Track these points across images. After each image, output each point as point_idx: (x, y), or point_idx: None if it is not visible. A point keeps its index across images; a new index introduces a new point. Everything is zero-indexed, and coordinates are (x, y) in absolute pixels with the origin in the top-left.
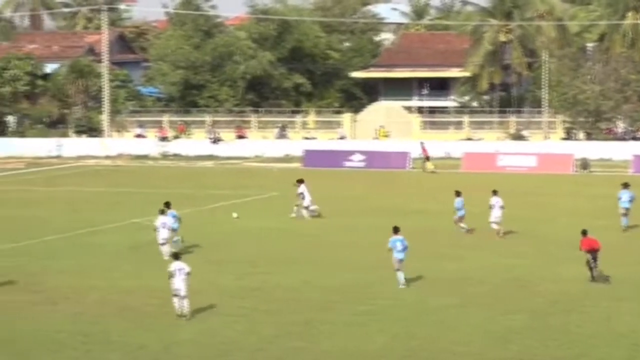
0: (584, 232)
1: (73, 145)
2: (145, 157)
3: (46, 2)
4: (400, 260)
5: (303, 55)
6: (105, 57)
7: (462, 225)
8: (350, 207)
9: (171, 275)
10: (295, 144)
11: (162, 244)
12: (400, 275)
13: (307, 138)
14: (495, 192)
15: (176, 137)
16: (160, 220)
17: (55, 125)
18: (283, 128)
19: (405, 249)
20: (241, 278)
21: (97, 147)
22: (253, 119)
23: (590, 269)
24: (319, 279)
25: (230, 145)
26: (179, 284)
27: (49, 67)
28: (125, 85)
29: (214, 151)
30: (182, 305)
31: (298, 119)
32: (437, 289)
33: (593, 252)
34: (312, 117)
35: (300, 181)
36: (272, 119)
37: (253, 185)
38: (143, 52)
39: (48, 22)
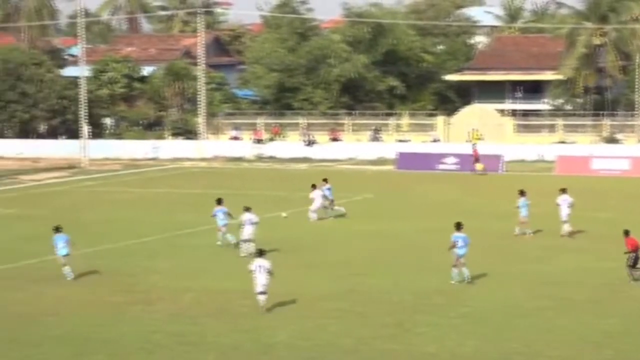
0: (627, 232)
1: (169, 148)
2: (240, 159)
3: (143, 5)
4: (460, 256)
5: (397, 58)
6: (201, 60)
7: (519, 227)
8: (443, 210)
9: (252, 272)
10: (389, 146)
11: (245, 241)
12: (459, 271)
13: (400, 141)
14: (563, 191)
15: (271, 140)
16: (246, 216)
17: (151, 128)
18: (377, 131)
19: (466, 245)
20: (335, 280)
21: (193, 149)
22: (347, 121)
23: (631, 268)
24: (412, 282)
25: (324, 148)
26: (261, 280)
27: (146, 70)
28: (221, 87)
29: (308, 153)
30: (262, 300)
31: (391, 121)
32: (530, 291)
33: (635, 252)
34: (405, 120)
35: (314, 186)
36: (365, 121)
37: (346, 188)
38: (238, 55)
39: (145, 25)
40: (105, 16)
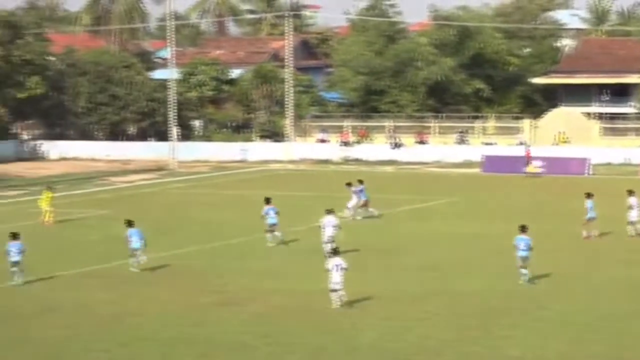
0: None
1: (257, 150)
2: (327, 161)
3: (232, 8)
4: (523, 259)
5: (483, 61)
6: (289, 62)
7: (585, 229)
8: (528, 213)
9: (329, 271)
10: (475, 149)
11: (326, 243)
12: (523, 272)
13: (486, 144)
14: (631, 193)
15: (357, 142)
16: (326, 219)
17: (239, 130)
18: (463, 133)
19: (528, 248)
20: (423, 282)
21: (281, 152)
22: (433, 124)
23: None
24: (497, 284)
25: (410, 151)
26: (336, 278)
27: (235, 73)
28: (309, 90)
29: (394, 156)
30: (339, 297)
31: (478, 124)
32: (620, 295)
33: None
34: (491, 123)
35: (349, 184)
36: (452, 124)
37: (432, 191)
38: (326, 58)
39: (233, 28)
40: (194, 19)
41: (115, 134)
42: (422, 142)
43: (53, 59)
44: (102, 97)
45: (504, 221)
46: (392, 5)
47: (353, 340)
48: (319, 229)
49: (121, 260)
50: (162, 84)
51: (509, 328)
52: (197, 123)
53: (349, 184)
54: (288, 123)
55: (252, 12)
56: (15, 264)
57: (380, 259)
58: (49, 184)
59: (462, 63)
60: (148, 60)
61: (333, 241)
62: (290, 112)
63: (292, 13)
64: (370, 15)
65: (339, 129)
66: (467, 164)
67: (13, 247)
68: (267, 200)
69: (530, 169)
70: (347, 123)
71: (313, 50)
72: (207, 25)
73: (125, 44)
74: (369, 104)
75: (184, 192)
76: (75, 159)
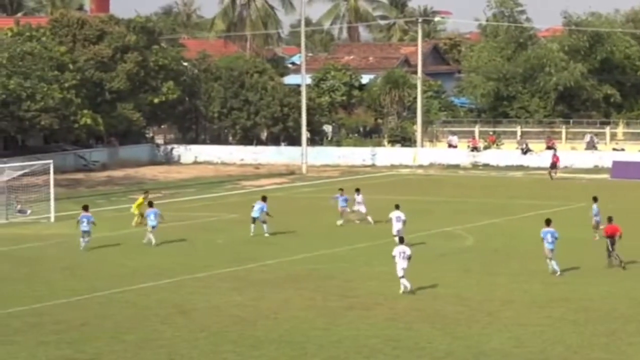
0: (610, 219)
1: (386, 155)
2: (456, 166)
3: (363, 15)
4: (551, 250)
5: (613, 66)
6: (419, 68)
7: (597, 232)
8: None
9: (394, 257)
10: (604, 155)
11: (395, 235)
12: (552, 264)
13: (616, 149)
14: None
15: (487, 148)
16: (395, 214)
17: (369, 135)
18: (593, 139)
19: (555, 240)
20: (550, 287)
21: (410, 157)
22: (563, 130)
23: (608, 253)
24: (626, 290)
25: (539, 156)
26: (401, 264)
27: (365, 78)
28: (438, 96)
29: (523, 161)
30: (404, 283)
31: (607, 130)
32: None
33: (612, 237)
34: (621, 129)
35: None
36: (581, 130)
37: (561, 196)
38: (456, 64)
39: (364, 34)
40: (326, 25)
41: (248, 138)
42: (551, 148)
43: (187, 64)
44: (235, 102)
45: (631, 227)
46: (522, 12)
47: (481, 345)
48: (445, 234)
49: (251, 263)
50: (294, 89)
51: (636, 334)
52: (327, 128)
53: (357, 190)
54: (418, 128)
55: (383, 18)
56: (85, 233)
57: (508, 263)
58: (146, 188)
59: (592, 69)
60: (280, 66)
61: (400, 235)
62: (419, 117)
63: (423, 19)
64: (500, 22)
65: (468, 135)
66: (597, 170)
67: (84, 218)
68: (397, 207)
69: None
70: (476, 128)
71: (443, 55)
72: (338, 31)
73: (258, 50)
74: (498, 110)
75: (312, 196)
76: (207, 163)
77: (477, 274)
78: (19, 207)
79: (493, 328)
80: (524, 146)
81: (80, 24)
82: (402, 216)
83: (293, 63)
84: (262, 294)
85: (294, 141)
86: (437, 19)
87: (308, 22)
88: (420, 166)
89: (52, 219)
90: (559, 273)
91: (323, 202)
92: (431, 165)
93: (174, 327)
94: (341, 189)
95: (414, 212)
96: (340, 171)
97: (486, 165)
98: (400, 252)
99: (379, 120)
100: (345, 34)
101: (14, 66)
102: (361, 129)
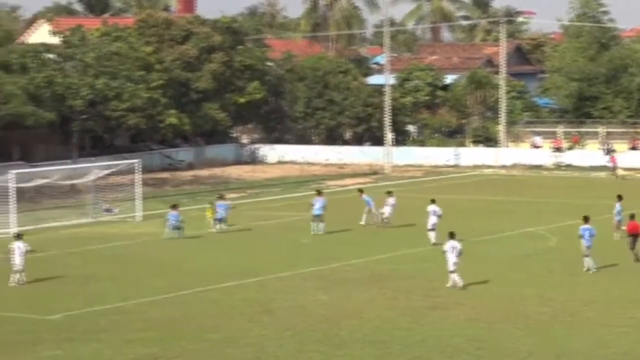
0: (632, 216)
1: (469, 155)
2: (539, 167)
3: (447, 15)
4: (588, 247)
5: None
6: (502, 68)
7: (617, 231)
8: None
9: (445, 252)
10: None
11: (429, 230)
12: (587, 261)
13: None
14: None
15: (570, 148)
16: (431, 207)
17: (453, 135)
18: None
19: (592, 237)
20: (629, 289)
21: (493, 157)
22: None
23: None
24: None
25: (623, 156)
26: (451, 259)
27: (449, 78)
28: (522, 96)
29: (607, 162)
30: (454, 278)
31: None
32: None
33: (635, 235)
34: None
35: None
36: None
37: None
38: (539, 64)
39: (447, 34)
40: (410, 26)
41: (332, 138)
42: (635, 149)
43: (272, 64)
44: (319, 102)
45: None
46: (605, 12)
47: (564, 346)
48: (529, 234)
49: (335, 262)
50: (378, 90)
51: None
52: (411, 128)
53: (360, 190)
54: (501, 129)
55: (466, 18)
56: (176, 228)
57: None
58: (220, 192)
59: None
60: (364, 66)
61: (434, 229)
62: (502, 117)
63: (506, 19)
64: (583, 22)
65: (552, 135)
66: None
67: (172, 216)
68: (433, 201)
69: (619, 172)
70: (559, 129)
71: (527, 56)
72: (422, 31)
73: (342, 50)
74: (581, 110)
75: (396, 196)
76: (292, 162)
77: (559, 274)
78: (105, 206)
79: (576, 329)
80: (607, 147)
81: (166, 25)
82: (438, 210)
83: (377, 63)
84: (346, 294)
85: (378, 141)
86: (520, 19)
87: (392, 23)
88: (503, 166)
89: (139, 218)
90: (593, 270)
91: (407, 201)
92: (514, 166)
93: (259, 325)
94: (360, 190)
95: (497, 213)
96: (423, 171)
97: (569, 166)
98: (451, 247)
99: (462, 121)
100: (428, 34)
101: (102, 66)
102: (444, 129)
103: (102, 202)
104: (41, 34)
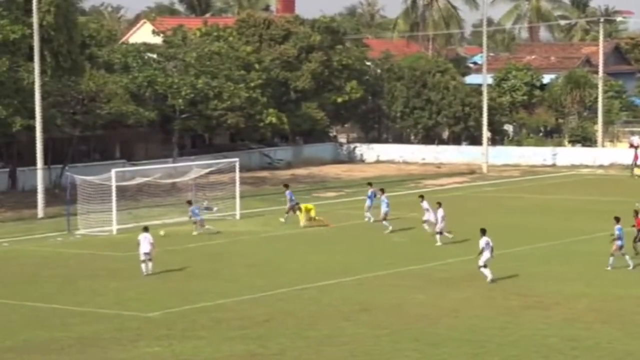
0: (637, 212)
1: (567, 155)
2: (637, 167)
3: (545, 15)
4: (620, 247)
5: None
6: (600, 68)
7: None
8: None
9: (483, 249)
10: None
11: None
12: (611, 260)
13: None
14: None
15: None
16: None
17: (550, 135)
18: None
19: (623, 236)
20: None
21: (590, 157)
22: None
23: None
24: None
25: None
26: (486, 255)
27: (546, 78)
28: (620, 96)
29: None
30: (485, 272)
31: None
32: None
33: None
34: None
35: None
36: None
37: None
38: (638, 64)
39: (545, 34)
40: (507, 25)
41: (429, 137)
42: None
43: (370, 64)
44: (417, 101)
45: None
46: None
47: None
48: (627, 235)
49: (433, 261)
50: (476, 89)
51: None
52: (508, 127)
53: (369, 184)
54: (598, 128)
55: (563, 18)
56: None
57: None
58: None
59: None
60: (462, 66)
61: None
62: (600, 117)
63: (604, 19)
64: None
65: None
66: None
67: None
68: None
69: (637, 171)
70: None
71: (625, 55)
72: (519, 31)
73: (440, 50)
74: None
75: (491, 195)
76: (389, 162)
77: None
78: (205, 204)
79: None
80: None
81: (266, 24)
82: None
83: (475, 63)
84: (442, 293)
85: (475, 141)
86: (618, 19)
87: (490, 22)
88: (601, 166)
89: (238, 216)
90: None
91: (503, 201)
92: (611, 166)
93: (356, 324)
94: (370, 183)
95: (594, 212)
96: (520, 171)
97: None
98: (487, 244)
99: (560, 120)
100: (526, 34)
101: (202, 66)
102: (542, 129)
103: (202, 200)
104: (143, 34)
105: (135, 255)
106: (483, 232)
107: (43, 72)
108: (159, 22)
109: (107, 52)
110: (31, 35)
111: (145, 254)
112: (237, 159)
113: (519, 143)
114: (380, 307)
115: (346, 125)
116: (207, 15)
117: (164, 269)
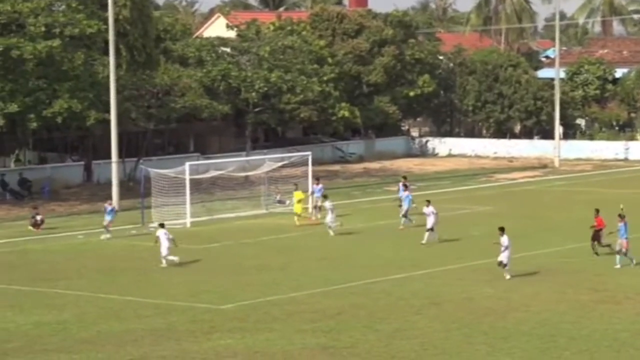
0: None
1: (639, 149)
2: None
3: (617, 9)
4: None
5: None
6: None
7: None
8: None
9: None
10: None
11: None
12: (618, 258)
13: None
14: None
15: None
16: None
17: (623, 129)
18: None
19: (626, 233)
20: None
21: None
22: None
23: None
24: None
25: None
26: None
27: (619, 72)
28: None
29: None
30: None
31: None
32: None
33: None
34: None
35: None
36: None
37: None
38: None
39: (618, 28)
40: (580, 19)
41: (501, 131)
42: None
43: (443, 58)
44: (489, 95)
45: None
46: None
47: None
48: None
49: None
50: (548, 83)
51: None
52: (580, 122)
53: (404, 177)
54: None
55: (638, 12)
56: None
57: None
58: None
59: None
60: (534, 60)
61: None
62: None
63: None
64: None
65: None
66: None
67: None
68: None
69: None
70: None
71: None
72: (592, 25)
73: (512, 44)
74: None
75: (565, 190)
76: (461, 155)
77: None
78: (278, 197)
79: None
80: None
81: (339, 19)
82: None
83: (547, 57)
84: (513, 286)
85: (547, 135)
86: None
87: (562, 16)
88: None
89: (310, 210)
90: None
91: (575, 195)
92: None
93: (427, 318)
94: (404, 177)
95: None
96: (592, 165)
97: None
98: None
99: (632, 115)
100: (598, 28)
101: (275, 59)
102: (614, 123)
103: (275, 193)
104: (217, 28)
105: (209, 248)
106: (502, 230)
107: (118, 66)
108: (233, 17)
109: (181, 46)
110: (106, 30)
111: (168, 248)
112: (309, 153)
113: (591, 137)
114: (450, 300)
115: (418, 119)
116: (281, 9)
117: (236, 261)
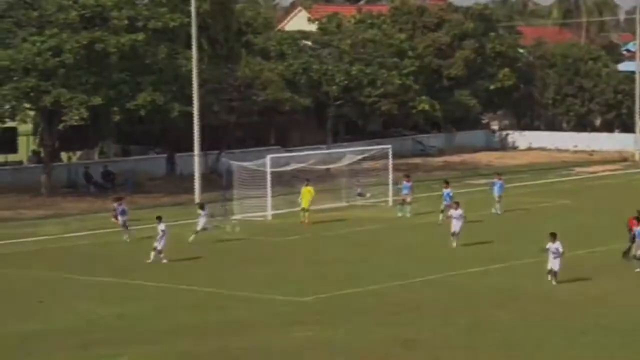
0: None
1: None
2: None
3: None
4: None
5: None
6: None
7: None
8: None
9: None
10: None
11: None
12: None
13: None
14: None
15: None
16: None
17: None
18: None
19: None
20: None
21: None
22: None
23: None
24: None
25: None
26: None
27: None
28: None
29: None
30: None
31: None
32: None
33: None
34: None
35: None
36: None
37: None
38: None
39: None
40: None
41: (581, 125)
42: None
43: (523, 51)
44: (570, 88)
45: None
46: None
47: None
48: None
49: (581, 249)
50: (628, 77)
51: None
52: None
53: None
54: None
55: None
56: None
57: None
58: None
59: None
60: (615, 53)
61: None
62: None
63: None
64: None
65: None
66: None
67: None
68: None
69: None
70: None
71: None
72: None
73: (593, 37)
74: None
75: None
76: (541, 149)
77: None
78: (359, 190)
79: None
80: None
81: (420, 12)
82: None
83: (628, 50)
84: (591, 281)
85: (628, 128)
86: None
87: None
88: None
89: (390, 203)
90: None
91: None
92: None
93: (505, 311)
94: (499, 174)
95: None
96: None
97: None
98: (557, 250)
99: None
100: None
101: (356, 53)
102: None
103: (356, 186)
104: (298, 21)
105: (289, 240)
106: (554, 236)
107: (200, 59)
108: (315, 10)
109: (263, 40)
110: (189, 23)
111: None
112: (389, 146)
113: None
114: (528, 294)
115: (498, 112)
116: (362, 2)
117: (316, 254)
